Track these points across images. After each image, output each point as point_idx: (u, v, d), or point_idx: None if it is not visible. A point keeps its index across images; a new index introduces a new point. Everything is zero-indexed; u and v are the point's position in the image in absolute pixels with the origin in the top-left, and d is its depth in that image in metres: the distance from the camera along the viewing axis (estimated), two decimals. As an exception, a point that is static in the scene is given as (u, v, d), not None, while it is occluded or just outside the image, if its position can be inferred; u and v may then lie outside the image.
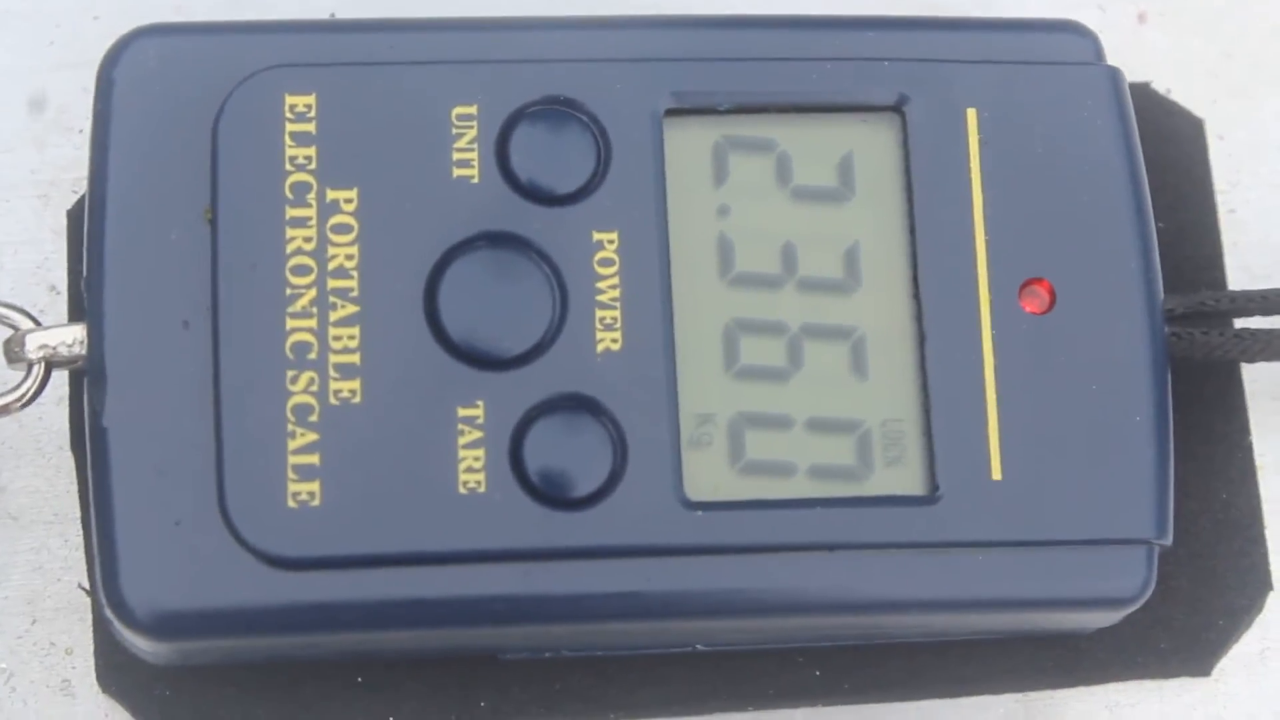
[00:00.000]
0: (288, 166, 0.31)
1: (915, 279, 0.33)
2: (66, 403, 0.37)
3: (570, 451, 0.31)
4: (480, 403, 0.31)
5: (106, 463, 0.31)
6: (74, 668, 0.36)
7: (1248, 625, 0.37)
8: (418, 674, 0.35)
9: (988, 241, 0.33)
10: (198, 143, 0.32)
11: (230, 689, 0.35)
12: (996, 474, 0.32)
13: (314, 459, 0.31)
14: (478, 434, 0.31)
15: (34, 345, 0.32)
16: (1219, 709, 0.37)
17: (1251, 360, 0.36)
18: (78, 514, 0.36)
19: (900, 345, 0.33)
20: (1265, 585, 0.36)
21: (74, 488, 0.36)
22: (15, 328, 0.33)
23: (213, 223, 0.31)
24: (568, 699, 0.36)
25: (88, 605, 0.36)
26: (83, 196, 0.35)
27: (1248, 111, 0.40)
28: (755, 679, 0.36)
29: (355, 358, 0.31)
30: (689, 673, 0.36)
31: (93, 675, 0.35)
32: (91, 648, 0.35)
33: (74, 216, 0.36)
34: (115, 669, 0.35)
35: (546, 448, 0.31)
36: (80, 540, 0.36)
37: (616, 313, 0.32)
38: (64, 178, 0.38)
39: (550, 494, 0.31)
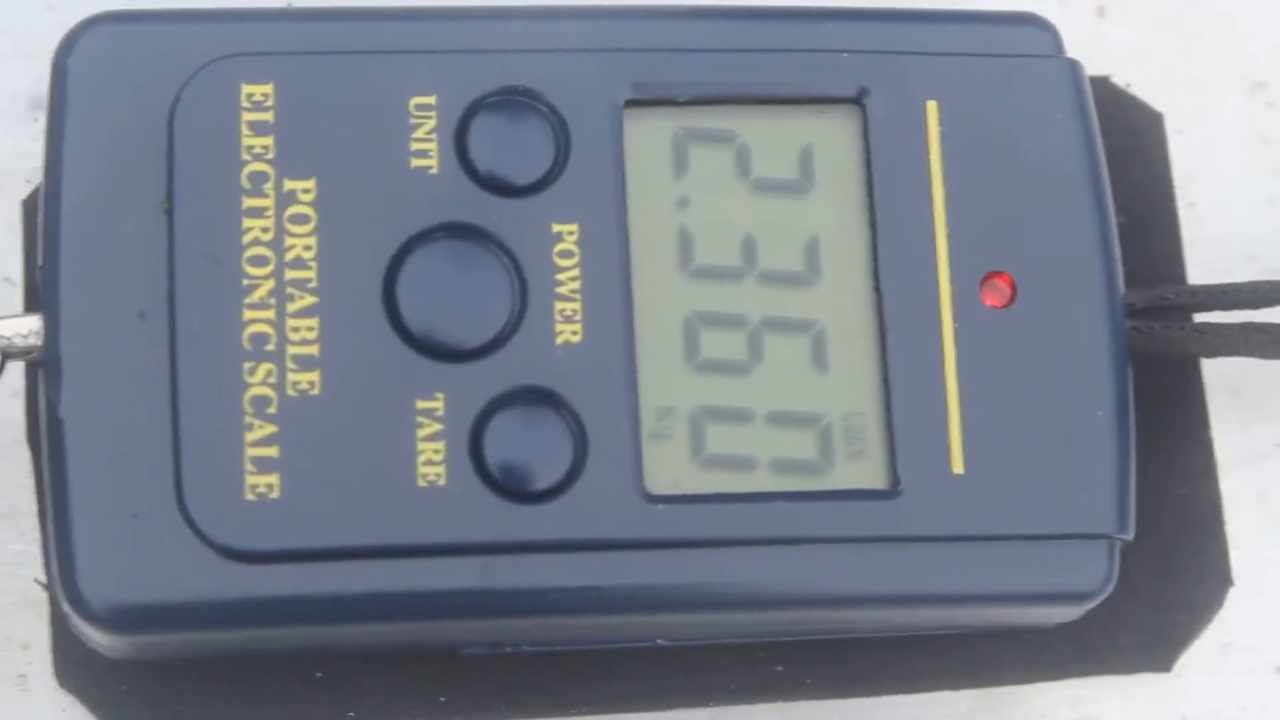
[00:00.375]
0: (244, 156, 0.31)
1: (876, 272, 0.33)
2: (22, 396, 0.36)
3: (530, 444, 0.31)
4: (440, 395, 0.31)
5: (63, 455, 0.31)
6: (30, 663, 0.35)
7: (1209, 621, 0.36)
8: (378, 669, 0.35)
9: (949, 235, 0.33)
10: (154, 132, 0.32)
11: (189, 683, 0.34)
12: (958, 468, 0.32)
13: (273, 451, 0.30)
14: (437, 426, 0.31)
15: None
16: (1180, 704, 0.37)
17: (1211, 355, 0.36)
18: (34, 508, 0.35)
19: (861, 339, 0.33)
20: (1226, 581, 0.36)
21: (29, 482, 0.36)
22: None
23: (169, 213, 0.31)
24: (529, 694, 0.36)
25: (44, 600, 0.35)
26: (37, 187, 0.35)
27: (1207, 106, 0.40)
28: (717, 674, 0.35)
29: (314, 349, 0.31)
30: (651, 668, 0.36)
31: (50, 670, 0.35)
32: (49, 643, 0.35)
33: (29, 206, 0.36)
34: (73, 664, 0.34)
35: (506, 440, 0.31)
36: (36, 535, 0.35)
37: (577, 305, 0.32)
38: (18, 167, 0.37)
39: (510, 487, 0.31)
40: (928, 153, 0.33)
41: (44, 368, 0.31)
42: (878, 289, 0.33)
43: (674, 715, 0.36)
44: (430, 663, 0.35)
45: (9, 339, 0.31)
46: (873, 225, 0.33)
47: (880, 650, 0.36)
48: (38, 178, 0.34)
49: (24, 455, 0.35)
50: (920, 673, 0.36)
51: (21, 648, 0.35)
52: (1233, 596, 0.36)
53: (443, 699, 0.35)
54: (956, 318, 0.32)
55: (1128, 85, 0.38)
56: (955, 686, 0.36)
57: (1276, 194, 0.40)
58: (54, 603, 0.33)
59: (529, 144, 0.32)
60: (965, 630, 0.36)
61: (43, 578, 0.34)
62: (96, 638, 0.31)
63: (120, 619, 0.30)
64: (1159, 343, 0.35)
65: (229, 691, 0.34)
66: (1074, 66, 0.34)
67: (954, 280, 0.33)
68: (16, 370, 0.35)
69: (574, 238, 0.32)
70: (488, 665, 0.35)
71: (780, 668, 0.35)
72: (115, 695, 0.34)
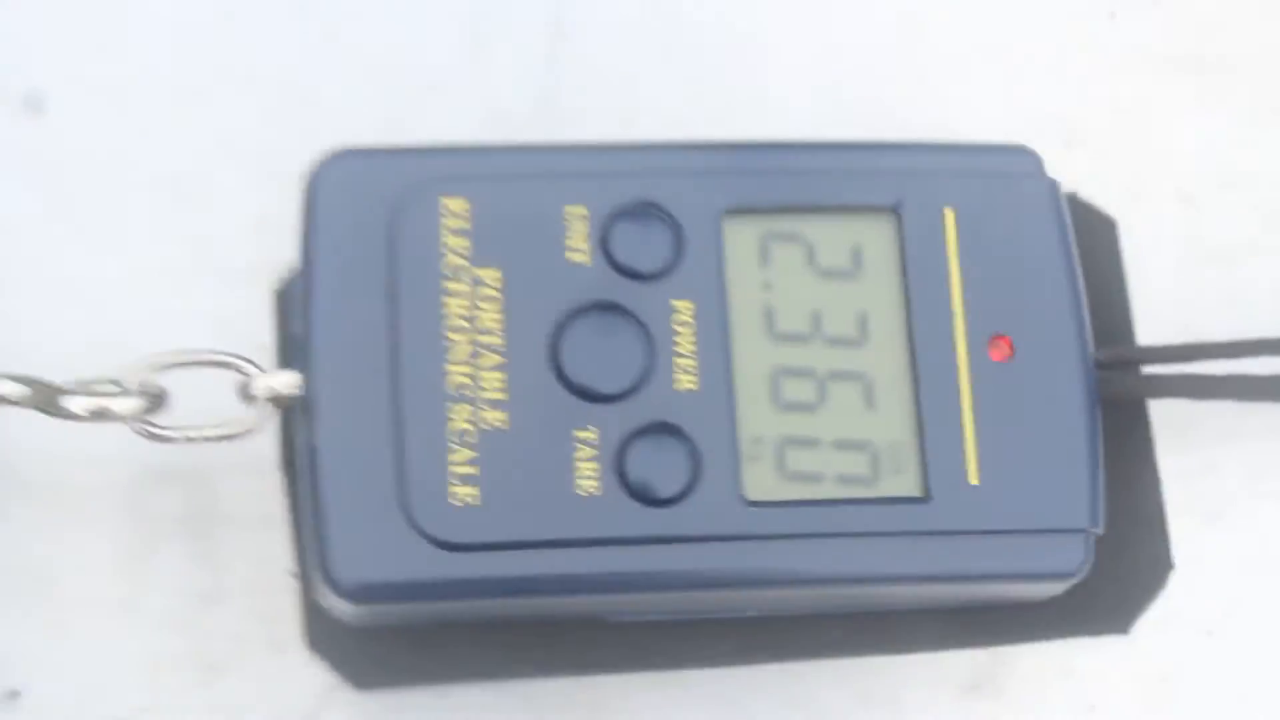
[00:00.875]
0: (446, 252, 0.33)
1: (910, 336, 0.34)
2: (276, 434, 0.37)
3: (659, 464, 0.33)
4: (593, 428, 0.33)
5: (318, 473, 0.32)
6: (286, 634, 0.36)
7: (1155, 596, 0.37)
8: (545, 632, 0.36)
9: (964, 308, 0.34)
10: (380, 234, 0.33)
11: (405, 643, 0.36)
12: (974, 480, 0.34)
13: (473, 470, 0.32)
14: (592, 451, 0.33)
15: (262, 387, 0.33)
16: (1135, 661, 0.39)
17: (1156, 397, 0.38)
18: (285, 517, 0.36)
19: (900, 386, 0.34)
20: (1168, 566, 0.37)
21: (282, 499, 0.36)
22: (246, 374, 0.34)
23: (392, 296, 0.33)
24: (655, 654, 0.37)
25: (295, 588, 0.36)
26: (284, 279, 0.37)
27: (1151, 213, 0.41)
28: (793, 637, 0.37)
29: (501, 394, 0.33)
30: (745, 633, 0.37)
31: (301, 639, 0.36)
32: (300, 618, 0.36)
33: (280, 295, 0.37)
34: (319, 633, 0.36)
35: (642, 461, 0.33)
36: (285, 539, 0.36)
37: (692, 361, 0.34)
38: (268, 265, 0.37)
39: (646, 496, 0.33)
40: (946, 247, 0.35)
41: (304, 410, 0.33)
42: (911, 349, 0.34)
43: (764, 669, 0.38)
44: (583, 629, 0.36)
45: (278, 390, 0.33)
46: (907, 301, 0.34)
47: (910, 619, 0.37)
48: (278, 274, 0.36)
49: (277, 478, 0.36)
50: (940, 635, 0.37)
51: (279, 623, 0.36)
52: (1173, 578, 0.37)
53: (591, 655, 0.37)
54: (970, 369, 0.34)
55: (1090, 198, 0.39)
56: (966, 646, 0.38)
57: (1204, 280, 0.41)
58: (304, 587, 0.35)
59: (655, 242, 0.34)
60: (973, 604, 0.37)
61: (294, 569, 0.36)
62: (342, 609, 0.33)
63: (361, 594, 0.32)
64: (1118, 387, 0.36)
65: (433, 649, 0.36)
66: (1053, 184, 0.35)
67: (968, 342, 0.34)
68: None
69: (689, 312, 0.34)
70: (626, 631, 0.36)
71: (838, 633, 0.37)
72: (351, 655, 0.36)
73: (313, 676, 0.36)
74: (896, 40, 0.43)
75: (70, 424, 0.34)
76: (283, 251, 0.36)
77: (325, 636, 0.36)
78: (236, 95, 0.41)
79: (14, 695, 0.36)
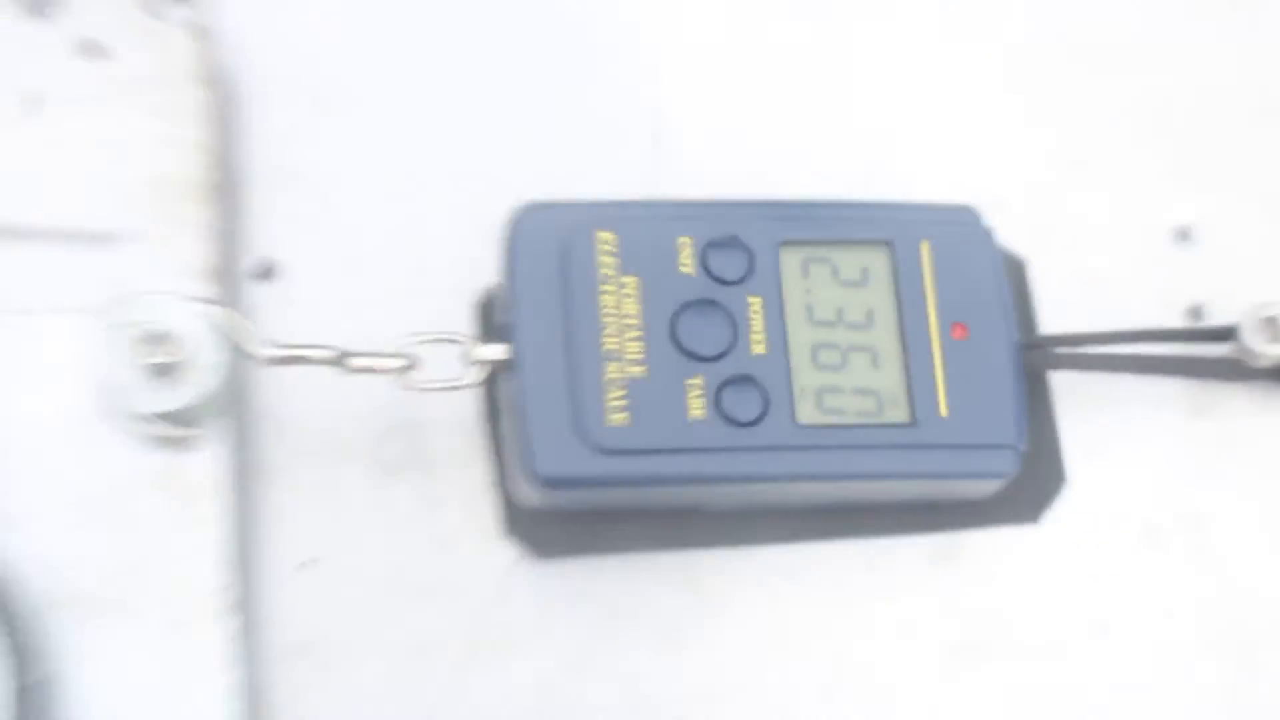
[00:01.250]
0: (601, 267, 0.37)
1: (900, 324, 0.38)
2: (479, 395, 0.40)
3: (742, 400, 0.36)
4: (699, 377, 0.36)
5: (524, 407, 0.36)
6: (488, 525, 0.40)
7: (1054, 499, 0.41)
8: (665, 519, 0.40)
9: (936, 304, 0.38)
10: (558, 256, 0.37)
11: (573, 525, 0.39)
12: (944, 413, 0.37)
13: (623, 403, 0.36)
14: (699, 391, 0.36)
15: (481, 354, 0.37)
16: (1039, 544, 0.41)
17: (1057, 369, 0.41)
18: (483, 449, 0.39)
19: (894, 355, 0.37)
20: (1061, 479, 0.41)
21: (475, 440, 0.40)
22: (470, 346, 0.36)
23: (566, 294, 0.36)
24: (735, 536, 0.40)
25: (493, 496, 0.39)
26: (486, 292, 0.40)
27: (1051, 256, 0.44)
28: (825, 524, 0.40)
29: (639, 356, 0.36)
30: (794, 522, 0.40)
31: (498, 527, 0.40)
32: (499, 512, 0.39)
33: (480, 306, 0.40)
34: (511, 521, 0.39)
35: (731, 398, 0.36)
36: (483, 465, 0.39)
37: (762, 336, 0.37)
38: (468, 287, 0.41)
39: (735, 420, 0.36)
40: (923, 267, 0.38)
41: (508, 370, 0.36)
42: (902, 332, 0.38)
43: (805, 546, 0.40)
44: (689, 517, 0.39)
45: (490, 357, 0.37)
46: (898, 302, 0.38)
47: (894, 512, 0.40)
48: (473, 291, 0.40)
49: (475, 427, 0.40)
50: (915, 523, 0.40)
51: (482, 516, 0.40)
52: (1065, 490, 0.41)
53: (694, 536, 0.40)
54: (940, 344, 0.38)
55: (1008, 243, 0.41)
56: (933, 530, 0.40)
57: (1086, 284, 0.44)
58: (501, 493, 0.39)
59: (735, 261, 0.37)
60: (938, 500, 0.40)
61: (494, 481, 0.39)
62: (536, 498, 0.37)
63: (551, 484, 0.36)
64: (1032, 360, 0.40)
65: (593, 529, 0.39)
66: (989, 230, 0.39)
67: (939, 327, 0.38)
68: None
69: (759, 305, 0.37)
70: (718, 519, 0.40)
71: (852, 521, 0.40)
72: (534, 535, 0.40)
73: (506, 552, 0.40)
74: (875, 144, 0.46)
75: (339, 390, 0.38)
76: (471, 278, 0.40)
77: (516, 524, 0.39)
78: (443, 186, 0.43)
79: (312, 562, 0.39)
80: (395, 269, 0.42)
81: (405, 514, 0.40)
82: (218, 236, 0.39)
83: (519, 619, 0.39)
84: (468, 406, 0.40)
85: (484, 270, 0.39)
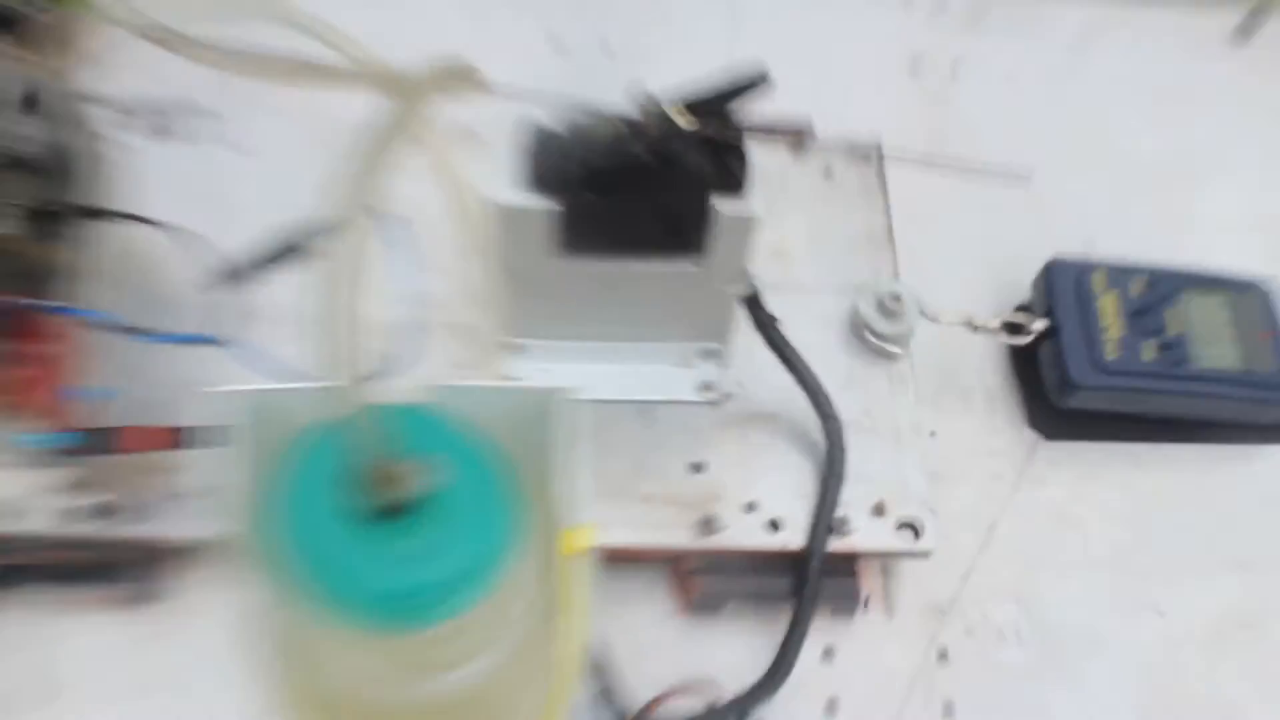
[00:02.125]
0: (1094, 285, 0.62)
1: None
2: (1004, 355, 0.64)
3: (1174, 354, 0.61)
4: (1153, 340, 0.61)
5: (1064, 350, 0.60)
6: (1019, 420, 0.63)
7: None
8: (1119, 422, 0.62)
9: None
10: (1074, 281, 0.62)
11: (1074, 421, 0.62)
12: None
13: (1116, 343, 0.62)
14: (1153, 348, 0.60)
15: (1035, 326, 0.62)
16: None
17: None
18: (1013, 380, 0.63)
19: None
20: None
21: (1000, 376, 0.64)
22: (1023, 322, 0.62)
23: (1079, 300, 0.62)
24: (1174, 435, 0.63)
25: (1019, 402, 0.62)
26: (1029, 292, 0.66)
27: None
28: (1205, 432, 0.65)
29: (1119, 330, 0.61)
30: (1192, 427, 0.64)
31: (1024, 422, 0.63)
32: (1024, 415, 0.62)
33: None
34: (1033, 417, 0.62)
35: (1166, 353, 0.61)
36: (1013, 394, 0.63)
37: (1179, 326, 0.63)
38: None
39: (1169, 363, 0.61)
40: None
41: (1048, 337, 0.61)
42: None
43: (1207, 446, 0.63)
44: (1136, 420, 0.64)
45: (1038, 328, 0.61)
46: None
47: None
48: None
49: (1005, 367, 0.64)
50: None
51: (1014, 416, 0.64)
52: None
53: (1136, 432, 0.64)
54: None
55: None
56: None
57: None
58: (1026, 399, 0.63)
59: (1157, 294, 0.65)
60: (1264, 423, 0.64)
61: (1020, 397, 0.64)
62: (1067, 399, 0.61)
63: (1077, 388, 0.61)
64: None
65: (1084, 425, 0.62)
66: None
67: None
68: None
69: (1174, 314, 0.63)
70: (1157, 423, 0.64)
71: (1215, 431, 0.65)
72: (1049, 426, 0.63)
73: (1029, 438, 0.65)
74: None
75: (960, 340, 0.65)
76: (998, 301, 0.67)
77: (1037, 419, 0.64)
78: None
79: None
80: (988, 272, 0.69)
81: (979, 411, 0.67)
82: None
83: (1036, 471, 0.65)
84: (1001, 353, 0.67)
85: (1029, 270, 0.66)
